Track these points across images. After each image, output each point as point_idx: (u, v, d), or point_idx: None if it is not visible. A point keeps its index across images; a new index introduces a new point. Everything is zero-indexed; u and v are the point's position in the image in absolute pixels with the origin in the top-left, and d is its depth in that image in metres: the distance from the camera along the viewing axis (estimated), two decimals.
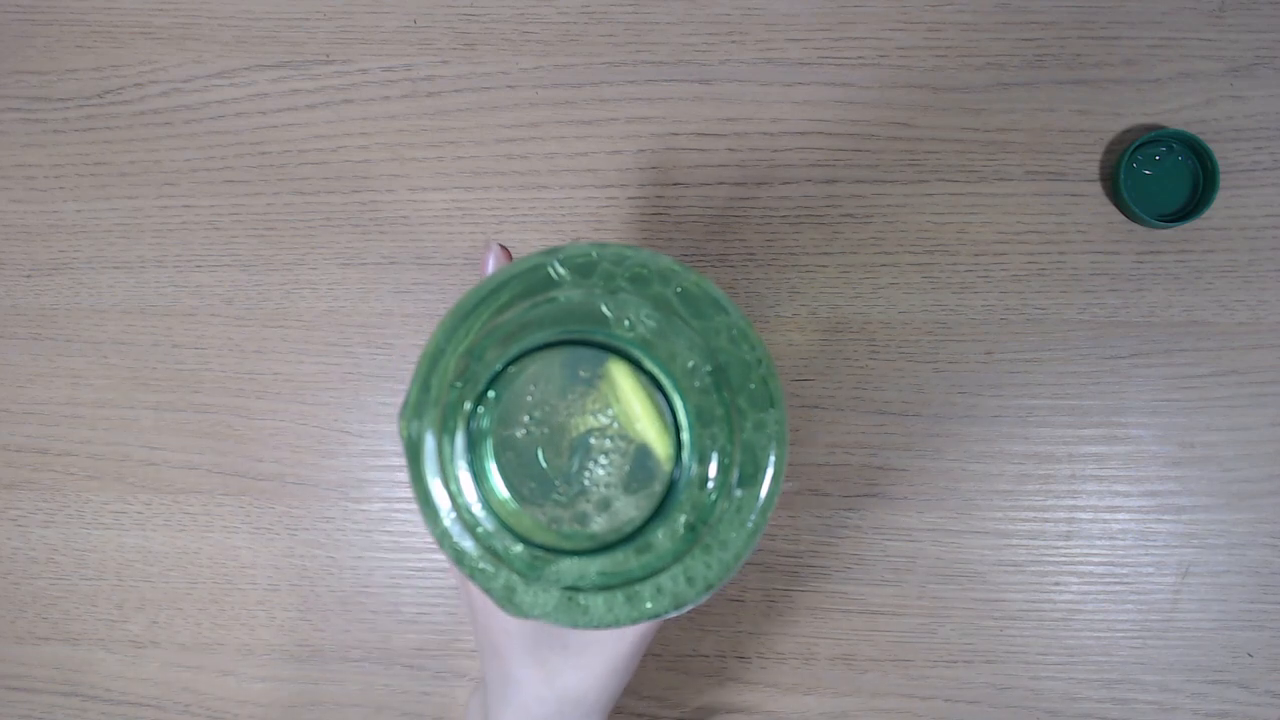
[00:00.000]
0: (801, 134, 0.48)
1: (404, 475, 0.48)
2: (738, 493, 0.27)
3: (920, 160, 0.48)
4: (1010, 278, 0.48)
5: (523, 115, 0.49)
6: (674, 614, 0.27)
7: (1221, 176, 0.47)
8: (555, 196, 0.49)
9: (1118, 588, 0.47)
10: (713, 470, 0.27)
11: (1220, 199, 0.47)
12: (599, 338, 0.26)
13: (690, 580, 0.27)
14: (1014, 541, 0.48)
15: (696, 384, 0.27)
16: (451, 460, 0.26)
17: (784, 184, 0.48)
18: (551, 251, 0.29)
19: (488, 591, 0.27)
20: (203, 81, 0.50)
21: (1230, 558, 0.47)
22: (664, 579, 0.27)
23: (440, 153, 0.49)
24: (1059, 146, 0.48)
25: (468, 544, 0.27)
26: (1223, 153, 0.47)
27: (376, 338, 0.49)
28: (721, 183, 0.48)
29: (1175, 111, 0.48)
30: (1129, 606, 0.47)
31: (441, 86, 0.49)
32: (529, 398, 0.27)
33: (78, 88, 0.50)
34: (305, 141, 0.49)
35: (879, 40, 0.48)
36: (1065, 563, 0.47)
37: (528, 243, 0.49)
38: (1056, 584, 0.47)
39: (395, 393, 0.49)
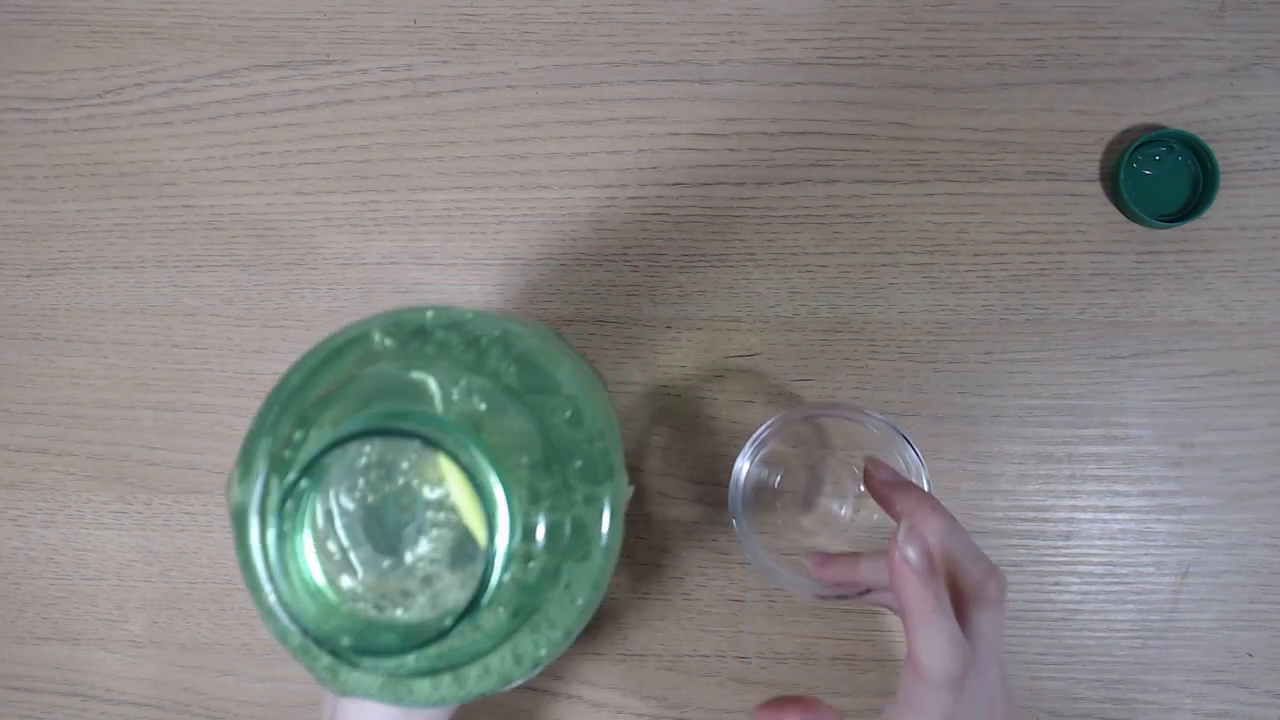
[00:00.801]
0: (801, 134, 0.48)
1: None
2: (567, 567, 0.26)
3: (920, 160, 0.48)
4: (1010, 278, 0.48)
5: (523, 115, 0.49)
6: (505, 689, 0.26)
7: (1221, 176, 0.47)
8: (555, 196, 0.49)
9: (1117, 588, 0.47)
10: (537, 546, 0.25)
11: (1220, 199, 0.47)
12: (414, 427, 0.24)
13: (518, 659, 0.26)
14: (1014, 541, 0.48)
15: (524, 460, 0.26)
16: (273, 543, 0.25)
17: (784, 184, 0.48)
18: (384, 317, 0.27)
19: (311, 671, 0.26)
20: (203, 81, 0.50)
21: (1230, 558, 0.47)
22: (491, 659, 0.26)
23: (440, 153, 0.49)
24: (1059, 146, 0.48)
25: (291, 626, 0.25)
26: (1223, 153, 0.47)
27: None
28: (721, 183, 0.48)
29: (1175, 111, 0.48)
30: (1129, 606, 0.47)
31: (441, 86, 0.49)
32: (346, 481, 0.25)
33: (78, 88, 0.50)
34: (305, 141, 0.49)
35: (879, 40, 0.48)
36: (1065, 563, 0.47)
37: (528, 242, 0.49)
38: (1056, 584, 0.47)
39: None
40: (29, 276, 0.50)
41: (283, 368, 0.48)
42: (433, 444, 0.24)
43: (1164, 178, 0.47)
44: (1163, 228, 0.47)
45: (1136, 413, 0.47)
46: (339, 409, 0.26)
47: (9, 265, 0.50)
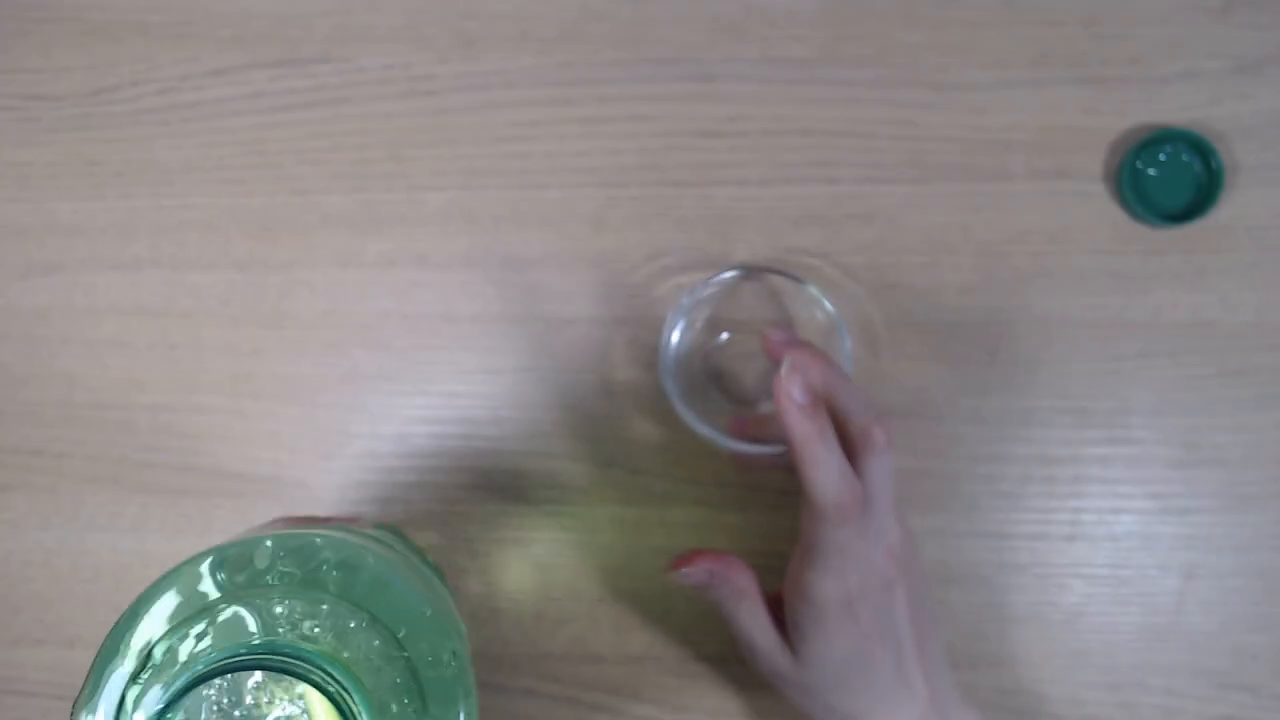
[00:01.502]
0: (804, 133, 0.48)
1: (402, 476, 0.48)
2: None
3: (923, 159, 0.48)
4: (1013, 278, 0.48)
5: (522, 114, 0.48)
6: None
7: (1227, 176, 0.46)
8: (555, 196, 0.48)
9: (1122, 590, 0.47)
10: None
11: (1226, 198, 0.47)
12: (282, 661, 0.25)
13: None
14: (1017, 543, 0.47)
15: (375, 676, 0.27)
16: None
17: (786, 183, 0.48)
18: (224, 549, 0.28)
19: None
20: (199, 80, 0.49)
21: (1235, 560, 0.47)
22: None
23: (439, 152, 0.49)
24: (1063, 146, 0.48)
25: None
26: (1228, 152, 0.47)
27: (374, 338, 0.49)
28: (723, 182, 0.48)
29: (1181, 110, 0.47)
30: (1133, 609, 0.47)
31: (440, 85, 0.49)
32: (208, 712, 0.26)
33: (72, 86, 0.50)
34: (302, 140, 0.49)
35: (882, 38, 0.48)
36: (1068, 565, 0.47)
37: (528, 242, 0.48)
38: (1060, 586, 0.47)
39: (393, 394, 0.48)
40: (23, 277, 0.50)
41: (281, 368, 0.49)
42: (299, 676, 0.25)
43: (1169, 177, 0.47)
44: (1168, 227, 0.47)
45: (1141, 414, 0.47)
46: (192, 643, 0.27)
47: (3, 266, 0.50)
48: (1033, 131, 0.48)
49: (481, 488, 0.48)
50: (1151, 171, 0.47)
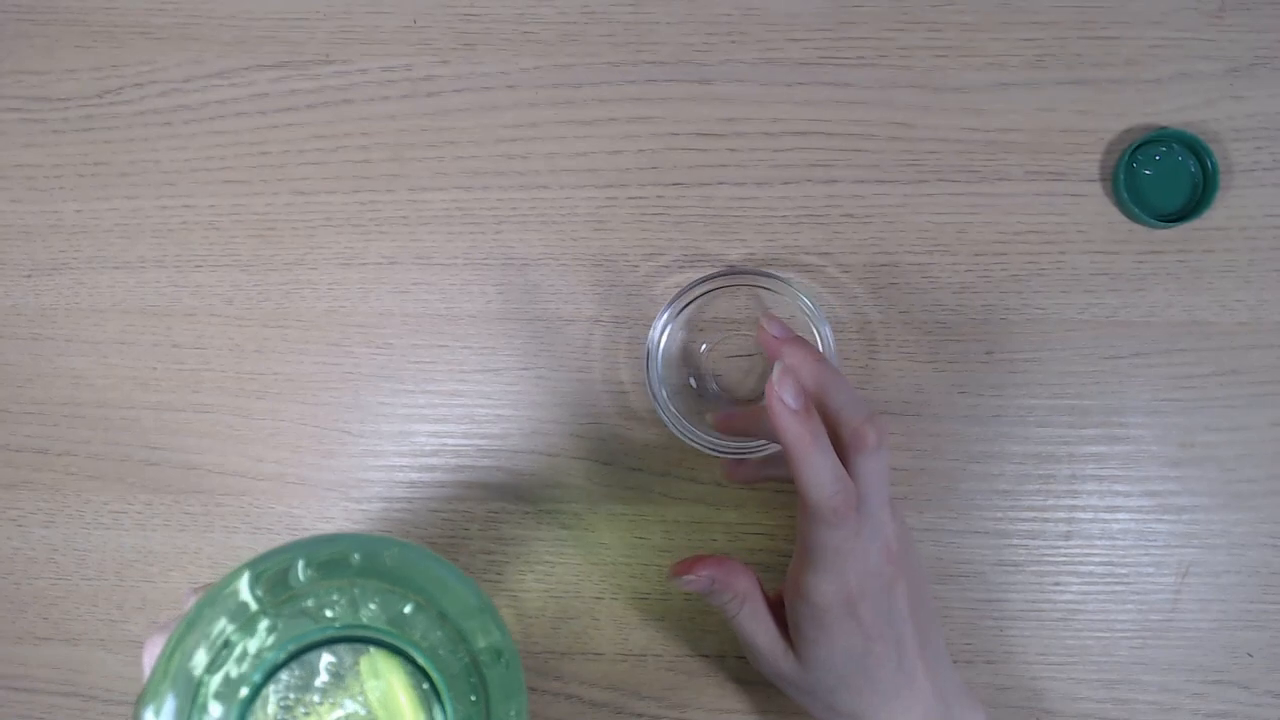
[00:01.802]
0: (802, 134, 0.48)
1: (403, 475, 0.48)
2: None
3: (920, 160, 0.48)
4: (1010, 277, 0.48)
5: (523, 115, 0.49)
6: None
7: (1221, 177, 0.47)
8: (555, 196, 0.49)
9: (1117, 588, 0.47)
10: None
11: (1220, 199, 0.47)
12: (373, 634, 0.26)
13: None
14: (1013, 541, 0.48)
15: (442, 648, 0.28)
16: None
17: (784, 184, 0.48)
18: (303, 546, 0.29)
19: None
20: (202, 81, 0.49)
21: (1230, 558, 0.47)
22: None
23: (440, 153, 0.49)
24: (1059, 147, 0.48)
25: None
26: (1223, 153, 0.47)
27: (376, 338, 0.49)
28: (721, 183, 0.48)
29: (1175, 112, 0.48)
30: (1129, 607, 0.47)
31: (441, 86, 0.49)
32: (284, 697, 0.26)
33: (77, 88, 0.50)
34: (305, 141, 0.49)
35: (879, 40, 0.48)
36: (1065, 563, 0.47)
37: (528, 242, 0.49)
38: (1056, 584, 0.47)
39: (395, 393, 0.49)
40: (29, 277, 0.50)
41: (283, 368, 0.49)
42: (396, 651, 0.26)
43: (1164, 178, 0.47)
44: (1163, 228, 0.47)
45: (1137, 412, 0.47)
46: (264, 635, 0.28)
47: (9, 265, 0.50)
48: (1029, 133, 0.48)
49: (481, 486, 0.48)
50: (1147, 172, 0.48)
